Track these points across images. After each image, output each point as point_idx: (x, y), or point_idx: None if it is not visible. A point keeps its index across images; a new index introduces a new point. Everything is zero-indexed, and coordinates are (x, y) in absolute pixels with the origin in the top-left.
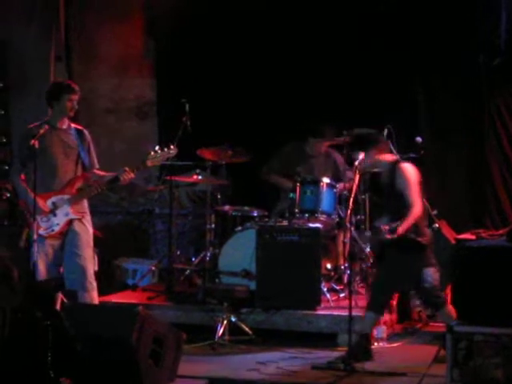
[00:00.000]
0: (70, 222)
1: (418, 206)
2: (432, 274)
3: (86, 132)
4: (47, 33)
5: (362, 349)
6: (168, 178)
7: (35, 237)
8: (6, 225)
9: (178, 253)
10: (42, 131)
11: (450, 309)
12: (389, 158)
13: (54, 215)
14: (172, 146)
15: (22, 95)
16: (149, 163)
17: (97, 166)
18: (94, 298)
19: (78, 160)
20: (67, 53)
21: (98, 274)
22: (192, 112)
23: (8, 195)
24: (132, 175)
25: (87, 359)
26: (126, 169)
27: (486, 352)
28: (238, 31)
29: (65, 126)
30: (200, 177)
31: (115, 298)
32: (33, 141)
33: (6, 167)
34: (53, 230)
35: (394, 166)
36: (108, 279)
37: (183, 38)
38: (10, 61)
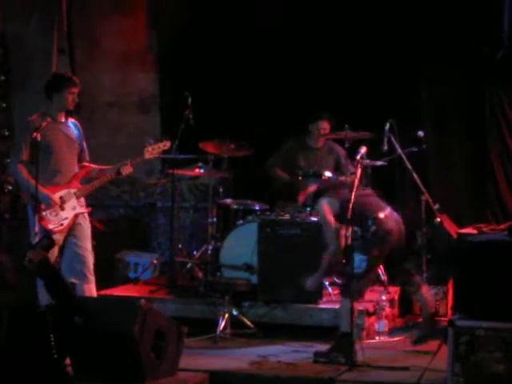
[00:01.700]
0: (77, 216)
1: None
2: None
3: (78, 124)
4: (49, 26)
5: None
6: (170, 171)
7: (36, 229)
8: (8, 218)
9: (180, 246)
10: (44, 124)
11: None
12: None
13: (62, 209)
14: (165, 140)
15: (24, 88)
16: (147, 155)
17: (87, 159)
18: (93, 290)
19: (78, 153)
20: (70, 46)
21: (95, 268)
22: (194, 105)
23: (10, 188)
24: (131, 169)
25: (88, 352)
26: (127, 162)
27: (487, 346)
28: (240, 25)
29: (63, 119)
30: (202, 170)
31: (117, 292)
32: (35, 133)
33: (8, 160)
34: (62, 225)
35: None
36: (109, 273)
37: (186, 32)
38: (11, 54)
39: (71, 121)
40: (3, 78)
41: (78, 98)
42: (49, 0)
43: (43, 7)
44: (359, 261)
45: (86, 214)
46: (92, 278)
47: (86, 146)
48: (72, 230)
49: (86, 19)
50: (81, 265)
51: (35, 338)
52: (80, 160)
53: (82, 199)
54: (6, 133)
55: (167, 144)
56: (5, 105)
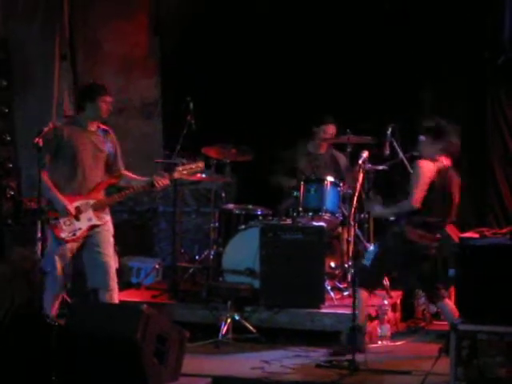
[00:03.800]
0: (92, 228)
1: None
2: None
3: (112, 132)
4: (51, 31)
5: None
6: None
7: (39, 235)
8: (10, 224)
9: (182, 251)
10: (45, 129)
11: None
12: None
13: (77, 219)
14: (199, 161)
15: (26, 94)
16: (176, 175)
17: (122, 169)
18: (115, 297)
19: (105, 164)
20: (72, 51)
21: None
22: (196, 110)
23: (12, 193)
24: (167, 181)
25: (91, 358)
26: (164, 174)
27: (489, 351)
28: (242, 30)
29: (94, 128)
30: (204, 175)
31: (119, 297)
32: (36, 139)
33: (10, 165)
34: (74, 235)
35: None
36: None
37: (188, 37)
38: (13, 59)
39: (102, 128)
40: (5, 83)
41: (111, 106)
42: (51, 6)
43: (45, 13)
44: (370, 253)
45: (109, 218)
46: (113, 284)
47: (118, 154)
48: (90, 237)
49: (87, 24)
50: (101, 271)
51: (34, 347)
52: (112, 170)
53: (106, 209)
54: (8, 138)
55: (200, 165)
56: (6, 110)
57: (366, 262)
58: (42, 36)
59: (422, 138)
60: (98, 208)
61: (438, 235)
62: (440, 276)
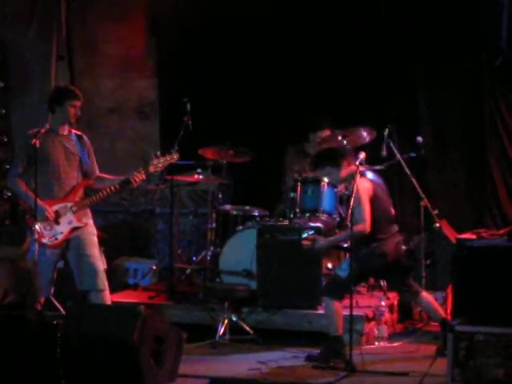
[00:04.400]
0: (74, 230)
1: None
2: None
3: (85, 138)
4: (48, 32)
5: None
6: (169, 177)
7: (36, 236)
8: (8, 225)
9: (179, 252)
10: (42, 130)
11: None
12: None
13: (57, 223)
14: (174, 152)
15: (23, 94)
16: (151, 169)
17: (97, 172)
18: (107, 297)
19: (79, 167)
20: (69, 52)
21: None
22: (193, 111)
23: (9, 194)
24: (144, 176)
25: (88, 359)
26: (140, 169)
27: (487, 352)
28: (239, 30)
29: (66, 132)
30: (201, 176)
31: (116, 298)
32: (34, 140)
33: (8, 166)
34: (56, 239)
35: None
36: (109, 279)
37: (185, 38)
38: (10, 60)
39: (75, 133)
40: (2, 84)
41: (80, 110)
42: (48, 7)
43: (42, 14)
44: (346, 264)
45: (90, 224)
46: (103, 285)
47: (93, 158)
48: (73, 240)
49: (85, 25)
50: (90, 273)
51: (34, 346)
52: (88, 174)
53: (87, 211)
54: (5, 139)
55: (175, 157)
56: (4, 111)
57: (342, 272)
58: (39, 37)
59: (419, 139)
60: (77, 210)
61: (396, 228)
62: (409, 272)
